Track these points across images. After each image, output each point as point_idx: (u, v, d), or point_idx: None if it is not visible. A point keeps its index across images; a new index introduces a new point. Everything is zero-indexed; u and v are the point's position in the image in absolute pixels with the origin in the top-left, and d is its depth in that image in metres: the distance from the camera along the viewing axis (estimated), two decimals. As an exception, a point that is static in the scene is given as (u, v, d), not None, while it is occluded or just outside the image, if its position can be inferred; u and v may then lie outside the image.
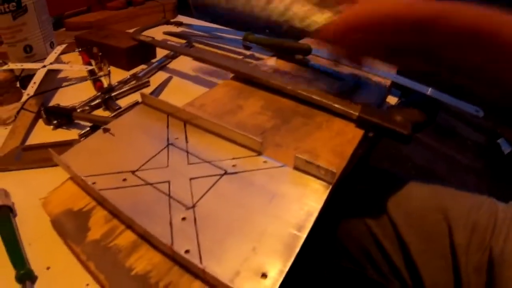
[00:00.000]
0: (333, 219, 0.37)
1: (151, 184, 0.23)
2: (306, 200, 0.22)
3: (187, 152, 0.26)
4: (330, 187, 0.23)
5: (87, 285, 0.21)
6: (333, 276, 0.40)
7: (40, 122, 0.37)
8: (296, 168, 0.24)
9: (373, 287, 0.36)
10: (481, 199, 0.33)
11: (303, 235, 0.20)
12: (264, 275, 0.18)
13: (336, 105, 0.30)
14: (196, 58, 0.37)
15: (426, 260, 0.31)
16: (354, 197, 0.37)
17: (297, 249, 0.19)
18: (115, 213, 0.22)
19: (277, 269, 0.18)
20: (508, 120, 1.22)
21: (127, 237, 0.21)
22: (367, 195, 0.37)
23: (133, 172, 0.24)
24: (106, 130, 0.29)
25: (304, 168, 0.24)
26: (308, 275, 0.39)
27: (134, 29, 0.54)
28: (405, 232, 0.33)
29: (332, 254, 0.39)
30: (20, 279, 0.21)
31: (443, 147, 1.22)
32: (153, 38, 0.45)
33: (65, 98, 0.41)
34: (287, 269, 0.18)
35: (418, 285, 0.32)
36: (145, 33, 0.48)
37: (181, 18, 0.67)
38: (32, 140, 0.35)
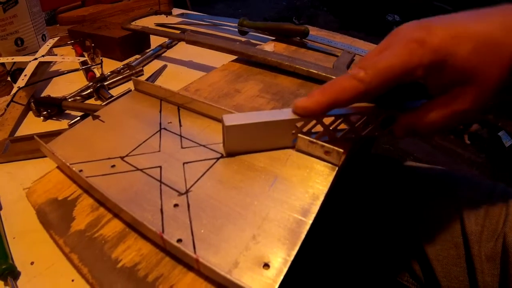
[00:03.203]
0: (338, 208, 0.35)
1: (141, 169, 0.21)
2: (311, 183, 0.20)
3: (181, 136, 0.24)
4: (337, 169, 0.21)
5: (73, 280, 0.19)
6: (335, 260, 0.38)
7: (31, 114, 0.36)
8: (299, 149, 0.22)
9: (380, 279, 0.33)
10: (492, 185, 0.31)
11: (309, 221, 0.18)
12: (266, 265, 0.16)
13: (334, 77, 0.29)
14: (190, 42, 0.36)
15: (437, 250, 0.29)
16: (360, 184, 0.35)
17: (303, 236, 0.17)
18: (102, 201, 0.20)
19: (281, 258, 0.16)
20: (509, 112, 1.19)
21: (114, 227, 0.19)
22: (374, 182, 0.35)
23: (122, 157, 0.22)
24: (95, 117, 0.27)
25: (308, 149, 0.22)
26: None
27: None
28: (414, 221, 0.31)
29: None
30: (1, 274, 0.19)
31: (444, 141, 1.20)
32: (143, 26, 0.43)
33: (56, 89, 0.39)
34: (292, 258, 0.16)
35: (429, 276, 0.30)
36: (136, 23, 0.47)
37: (176, 11, 0.65)
38: (22, 132, 0.33)
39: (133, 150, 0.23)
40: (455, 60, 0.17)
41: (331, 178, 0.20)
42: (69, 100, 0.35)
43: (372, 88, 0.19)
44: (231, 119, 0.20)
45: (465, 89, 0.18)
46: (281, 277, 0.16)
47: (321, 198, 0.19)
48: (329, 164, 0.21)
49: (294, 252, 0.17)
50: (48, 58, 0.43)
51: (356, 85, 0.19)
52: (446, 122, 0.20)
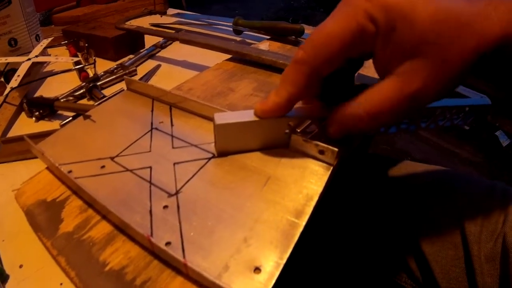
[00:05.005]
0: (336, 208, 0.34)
1: (130, 170, 0.21)
2: (305, 183, 0.20)
3: (172, 136, 0.23)
4: (331, 168, 0.20)
5: (61, 284, 0.18)
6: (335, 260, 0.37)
7: (23, 115, 0.35)
8: (292, 148, 0.22)
9: (378, 280, 0.33)
10: (492, 184, 0.30)
11: (302, 222, 0.18)
12: (257, 269, 0.16)
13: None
14: (184, 41, 0.35)
15: (436, 250, 0.29)
16: (357, 184, 0.35)
17: (296, 238, 0.17)
18: (90, 202, 0.19)
19: (273, 262, 0.16)
20: (506, 112, 1.19)
21: (102, 229, 0.18)
22: (371, 182, 0.35)
23: (112, 158, 0.22)
24: (86, 117, 0.26)
25: (301, 148, 0.21)
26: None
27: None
28: (412, 221, 0.31)
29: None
30: (-11, 279, 0.18)
31: (441, 140, 1.19)
32: (137, 26, 0.43)
33: (50, 90, 0.39)
34: (284, 261, 0.16)
35: (427, 277, 0.29)
36: (131, 23, 0.46)
37: (171, 11, 0.65)
38: (14, 133, 0.33)
39: (123, 151, 0.22)
40: (412, 24, 0.14)
41: (325, 178, 0.20)
42: (62, 100, 0.35)
43: (317, 65, 0.16)
44: (222, 118, 0.20)
45: (414, 64, 0.15)
46: (273, 281, 0.15)
47: (315, 198, 0.19)
48: (324, 164, 0.21)
49: (286, 255, 0.16)
50: (41, 59, 0.43)
51: (298, 69, 0.16)
52: (394, 110, 0.16)
